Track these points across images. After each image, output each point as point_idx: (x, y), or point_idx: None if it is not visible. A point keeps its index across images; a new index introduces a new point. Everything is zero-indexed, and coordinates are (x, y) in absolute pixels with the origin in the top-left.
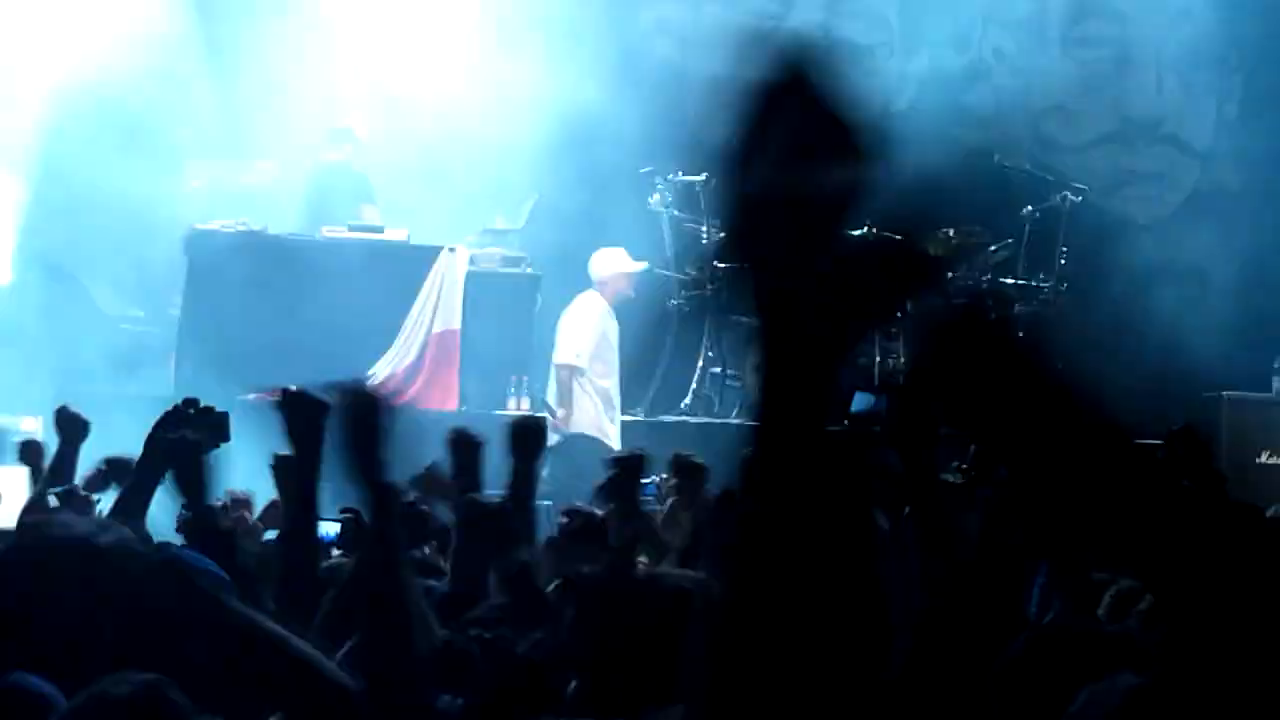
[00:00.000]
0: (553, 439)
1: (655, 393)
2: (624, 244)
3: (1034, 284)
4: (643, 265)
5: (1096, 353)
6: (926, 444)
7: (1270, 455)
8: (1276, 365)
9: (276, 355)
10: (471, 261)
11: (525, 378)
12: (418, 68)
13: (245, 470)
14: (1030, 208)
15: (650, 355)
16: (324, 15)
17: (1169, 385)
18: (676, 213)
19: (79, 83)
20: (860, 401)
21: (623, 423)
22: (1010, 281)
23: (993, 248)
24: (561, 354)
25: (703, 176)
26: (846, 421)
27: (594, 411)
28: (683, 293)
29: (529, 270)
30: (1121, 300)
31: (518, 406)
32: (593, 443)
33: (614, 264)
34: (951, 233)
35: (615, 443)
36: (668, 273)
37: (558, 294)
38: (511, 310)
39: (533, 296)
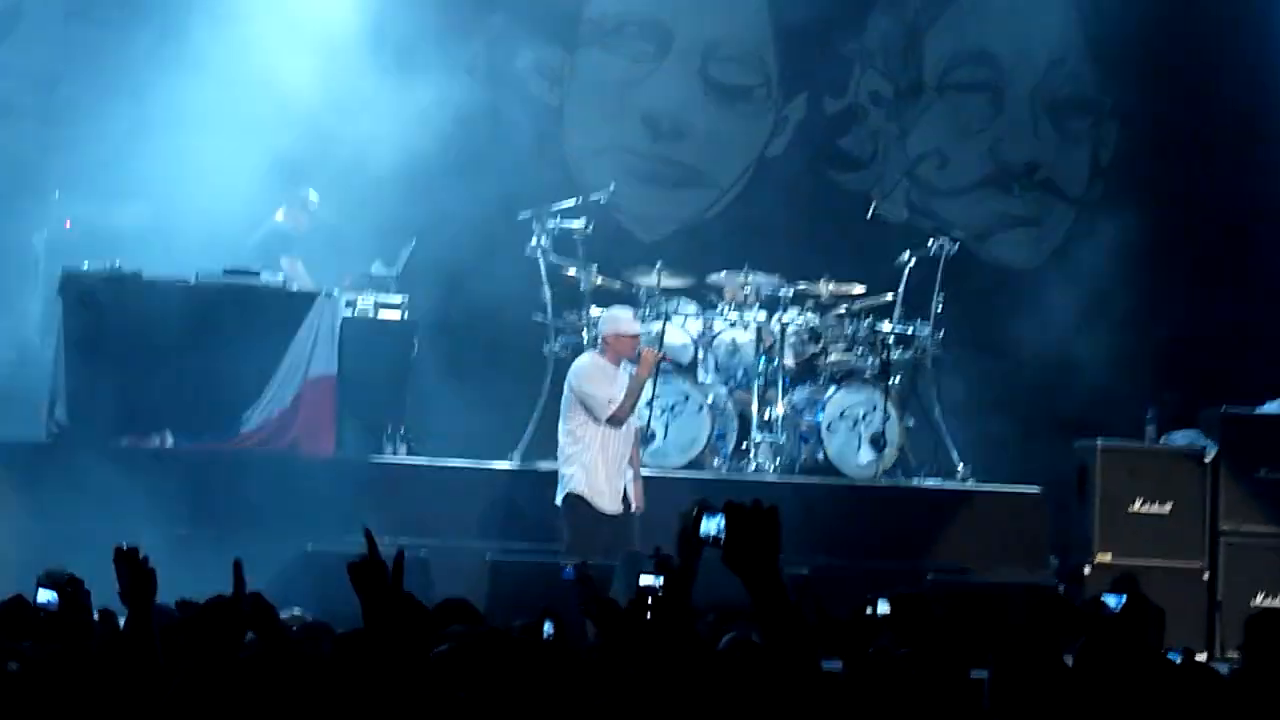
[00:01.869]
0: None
1: (529, 440)
2: (501, 289)
3: (911, 331)
4: (640, 328)
5: (972, 399)
6: (766, 562)
7: (1144, 503)
8: (1149, 415)
9: (150, 400)
10: (348, 306)
11: (402, 425)
12: (295, 104)
13: (122, 520)
14: (907, 254)
15: (526, 402)
16: (208, 54)
17: (1043, 430)
18: (554, 257)
19: None
20: (706, 525)
21: (492, 471)
22: (887, 329)
23: (866, 298)
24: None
25: (581, 222)
26: (693, 543)
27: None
28: (559, 339)
29: (406, 317)
30: (998, 346)
31: (394, 452)
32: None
33: (613, 323)
34: (828, 282)
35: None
36: (544, 320)
37: (435, 340)
38: (389, 356)
39: (409, 342)
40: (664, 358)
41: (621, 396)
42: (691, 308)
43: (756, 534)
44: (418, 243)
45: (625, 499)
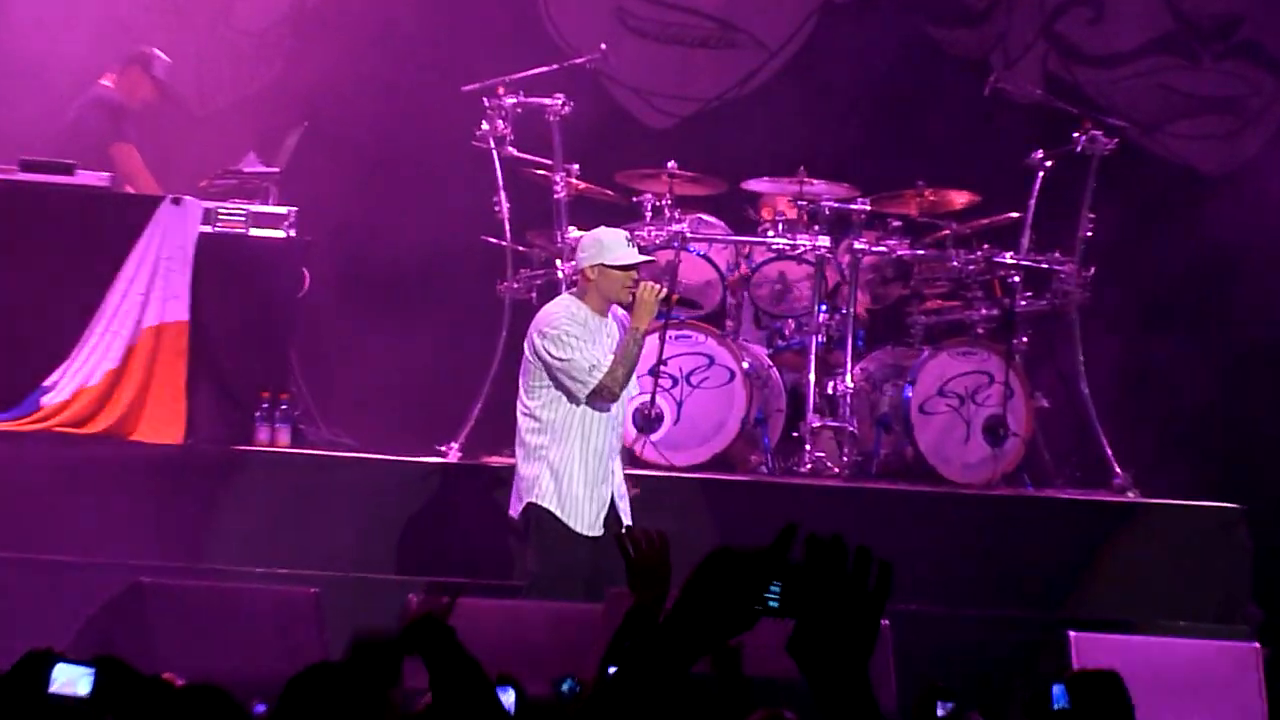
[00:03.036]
0: None
1: (475, 423)
2: (436, 198)
3: (1046, 267)
4: (642, 258)
5: (1136, 370)
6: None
7: None
8: None
9: None
10: (207, 219)
11: (285, 398)
12: None
13: None
14: (1041, 153)
15: (471, 366)
16: None
17: (1245, 420)
18: (516, 151)
19: None
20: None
21: (425, 466)
22: (1010, 260)
23: (979, 216)
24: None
25: (557, 101)
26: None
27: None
28: (523, 273)
29: (292, 233)
30: (1177, 290)
31: (271, 439)
32: None
33: (598, 251)
34: (923, 192)
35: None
36: (500, 242)
37: (336, 272)
38: (265, 295)
39: (296, 274)
40: (676, 299)
41: (610, 361)
42: (719, 229)
43: (847, 610)
44: (311, 127)
45: (615, 515)
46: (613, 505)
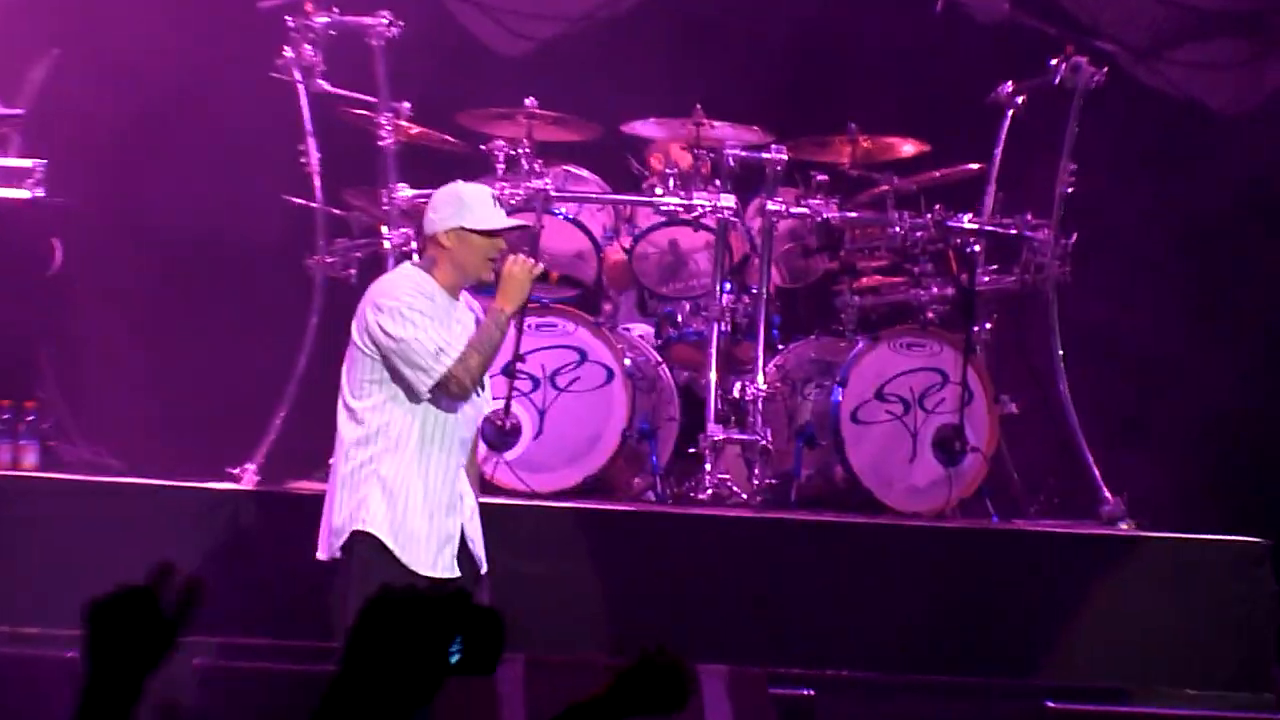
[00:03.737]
0: None
1: (277, 438)
2: (228, 148)
3: (1017, 232)
4: (513, 221)
5: (1129, 367)
6: None
7: None
8: None
9: None
10: None
11: (33, 406)
12: None
13: None
14: (1010, 85)
15: (272, 362)
16: None
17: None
18: (328, 85)
19: None
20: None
21: (212, 495)
22: (969, 225)
23: (929, 169)
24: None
25: (383, 21)
26: None
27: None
28: (339, 243)
29: (40, 194)
30: (1179, 263)
31: (14, 460)
32: None
33: (453, 211)
34: (855, 138)
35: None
36: (309, 203)
37: (99, 243)
38: (5, 273)
39: (45, 247)
40: (556, 278)
41: (463, 346)
42: (591, 185)
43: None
44: (64, 56)
45: (467, 554)
46: (464, 543)
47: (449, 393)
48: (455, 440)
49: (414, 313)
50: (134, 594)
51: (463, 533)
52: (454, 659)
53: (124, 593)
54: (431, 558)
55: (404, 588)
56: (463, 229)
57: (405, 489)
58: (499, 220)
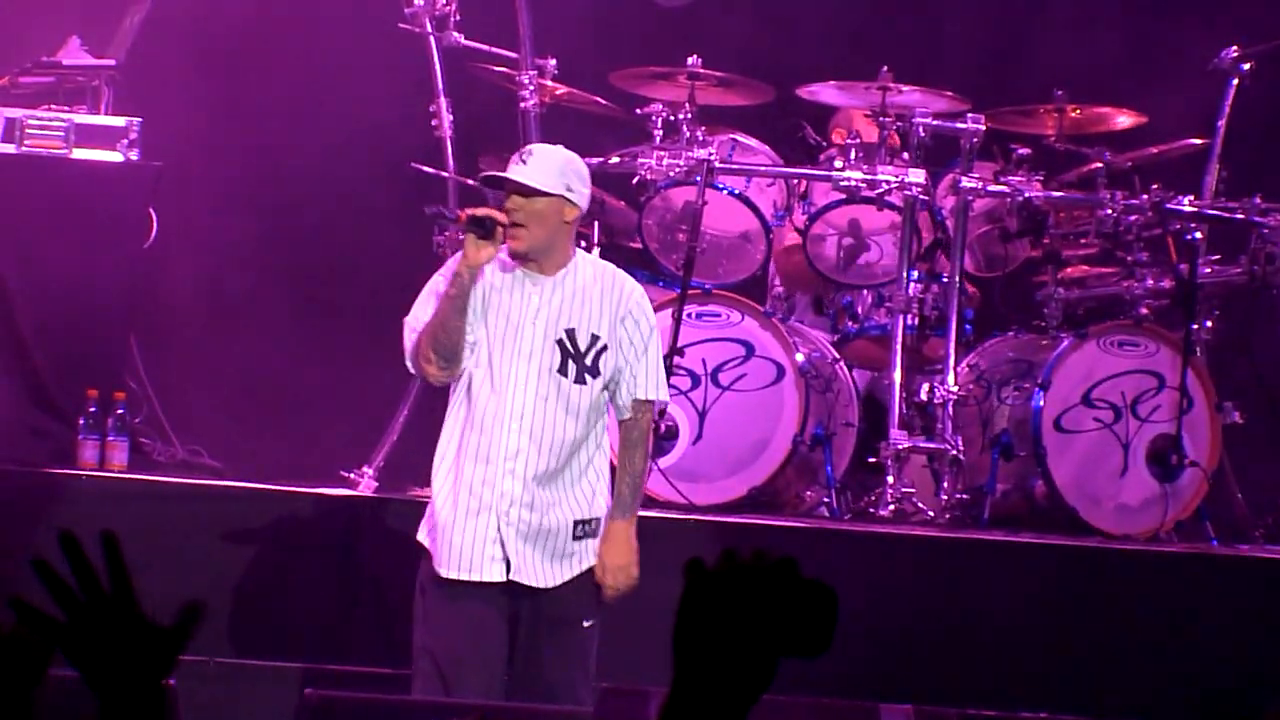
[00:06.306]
0: None
1: (399, 438)
2: (349, 105)
3: (1245, 217)
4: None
5: None
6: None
7: None
8: None
9: None
10: (9, 135)
11: (120, 396)
12: None
13: None
14: (1235, 51)
15: (394, 355)
16: None
17: None
18: (463, 39)
19: None
20: None
21: (325, 500)
22: (1190, 208)
23: (1143, 144)
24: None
25: None
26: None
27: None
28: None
29: (135, 156)
30: None
31: (103, 459)
32: None
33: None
34: (1062, 108)
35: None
36: (440, 172)
37: (196, 207)
38: (95, 246)
39: (143, 215)
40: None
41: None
42: (762, 156)
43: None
44: (160, 2)
45: (526, 555)
46: (505, 542)
47: (421, 372)
48: (494, 424)
49: (431, 285)
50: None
51: (508, 537)
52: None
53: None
54: (458, 556)
55: (723, 560)
56: None
57: (451, 482)
58: (492, 169)
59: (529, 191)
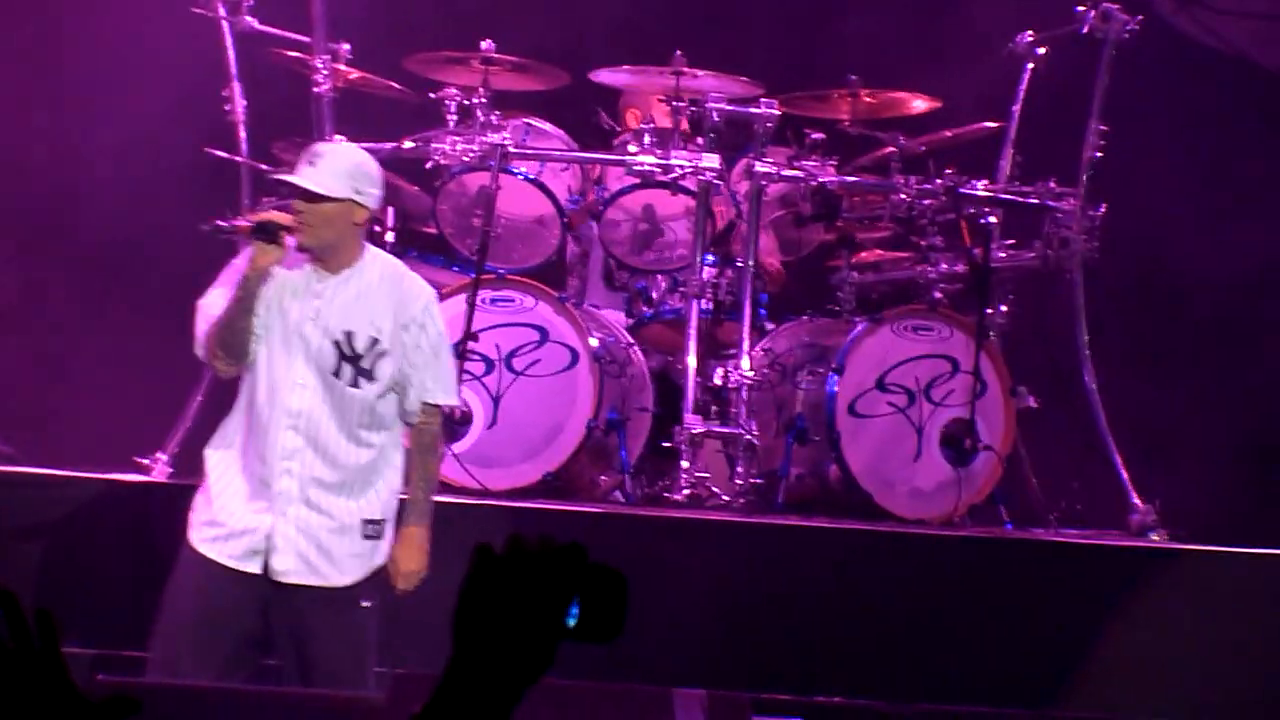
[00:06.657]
0: None
1: (193, 424)
2: (140, 91)
3: (1039, 201)
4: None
5: (1165, 356)
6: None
7: None
8: None
9: None
10: None
11: None
12: None
13: None
14: (1030, 37)
15: (189, 339)
16: None
17: None
18: (256, 23)
19: None
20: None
21: (118, 487)
22: (984, 192)
23: (938, 128)
24: None
25: None
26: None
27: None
28: (266, 203)
29: None
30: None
31: None
32: None
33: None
34: (856, 92)
35: None
36: (234, 157)
37: None
38: None
39: None
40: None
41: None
42: (556, 140)
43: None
44: None
45: (310, 555)
46: (269, 534)
47: (211, 363)
48: (274, 410)
49: (223, 277)
50: None
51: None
52: (571, 624)
53: None
54: (238, 549)
55: (510, 545)
56: None
57: (230, 468)
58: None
59: (316, 198)
